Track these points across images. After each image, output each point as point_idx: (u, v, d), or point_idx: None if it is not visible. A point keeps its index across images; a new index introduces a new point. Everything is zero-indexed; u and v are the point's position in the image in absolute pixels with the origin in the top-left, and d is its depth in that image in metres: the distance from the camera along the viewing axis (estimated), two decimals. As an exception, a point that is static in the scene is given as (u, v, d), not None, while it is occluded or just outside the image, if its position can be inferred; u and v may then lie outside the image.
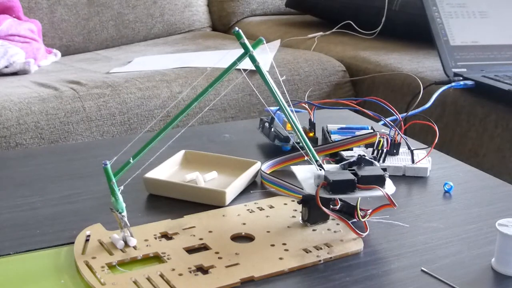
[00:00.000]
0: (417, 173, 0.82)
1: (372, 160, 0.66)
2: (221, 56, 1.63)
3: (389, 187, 0.64)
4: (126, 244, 0.62)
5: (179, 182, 0.75)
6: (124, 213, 0.62)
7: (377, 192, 0.62)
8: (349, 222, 0.64)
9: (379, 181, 0.63)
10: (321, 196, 0.62)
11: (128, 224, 0.62)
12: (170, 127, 0.63)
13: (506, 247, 0.60)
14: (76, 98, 1.29)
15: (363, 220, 0.66)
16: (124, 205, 0.62)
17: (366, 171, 0.64)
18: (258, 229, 0.66)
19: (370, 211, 0.66)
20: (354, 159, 0.66)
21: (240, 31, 0.60)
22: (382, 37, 1.71)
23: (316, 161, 0.64)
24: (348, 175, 0.63)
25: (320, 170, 0.64)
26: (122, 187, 0.62)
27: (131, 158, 0.61)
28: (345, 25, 1.72)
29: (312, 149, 0.65)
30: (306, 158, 0.66)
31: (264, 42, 0.61)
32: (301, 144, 0.65)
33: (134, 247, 0.62)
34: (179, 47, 1.78)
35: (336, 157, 0.81)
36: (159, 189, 0.75)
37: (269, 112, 0.96)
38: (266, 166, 0.80)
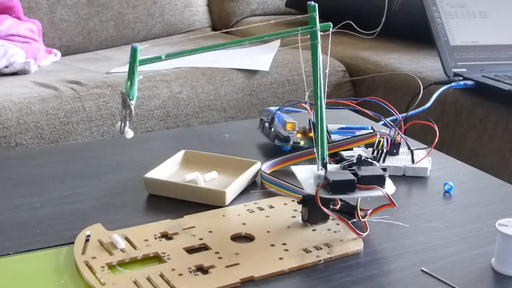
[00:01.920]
0: (417, 173, 0.82)
1: (372, 161, 0.66)
2: (221, 56, 1.63)
3: (389, 187, 0.64)
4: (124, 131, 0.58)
5: (179, 182, 0.75)
6: (133, 102, 0.57)
7: (377, 192, 0.62)
8: (349, 222, 0.64)
9: (379, 181, 0.63)
10: (321, 196, 0.62)
11: (133, 114, 0.58)
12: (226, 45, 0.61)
13: (506, 247, 0.60)
14: (76, 98, 1.29)
15: (363, 220, 0.66)
16: (136, 93, 0.57)
17: (366, 171, 0.64)
18: (258, 229, 0.66)
19: (370, 211, 0.66)
20: (354, 159, 0.66)
21: (316, 5, 0.60)
22: (382, 37, 1.71)
23: (323, 158, 0.64)
24: (348, 175, 0.63)
25: (322, 169, 0.64)
26: (141, 77, 0.58)
27: (163, 55, 0.58)
28: (345, 25, 1.72)
29: (326, 145, 0.65)
30: (310, 156, 0.66)
31: (331, 28, 0.60)
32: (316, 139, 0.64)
33: (134, 247, 0.62)
34: (179, 47, 1.77)
35: (336, 157, 0.81)
36: (159, 189, 0.75)
37: (269, 112, 0.96)
38: (266, 166, 0.80)
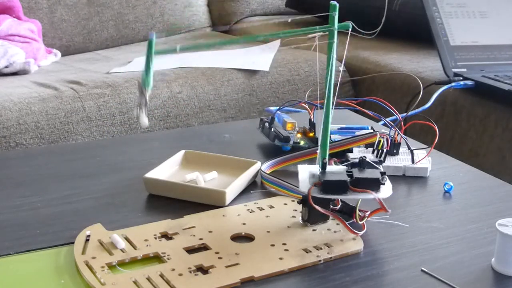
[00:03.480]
0: (417, 173, 0.82)
1: (374, 164, 0.65)
2: (221, 56, 1.63)
3: (385, 191, 0.63)
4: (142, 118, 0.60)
5: (179, 182, 0.75)
6: (149, 90, 0.59)
7: (369, 196, 0.62)
8: (347, 222, 0.64)
9: (373, 184, 0.62)
10: (313, 196, 0.62)
11: (148, 102, 0.60)
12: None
13: (506, 247, 0.60)
14: (76, 98, 1.29)
15: (360, 222, 0.65)
16: (152, 83, 0.59)
17: (362, 173, 0.63)
18: (258, 229, 0.66)
19: (368, 213, 0.66)
20: (356, 160, 0.66)
21: (337, 5, 0.61)
22: (382, 37, 1.71)
23: (323, 158, 0.64)
24: (341, 176, 0.63)
25: (321, 169, 0.64)
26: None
27: (178, 47, 0.59)
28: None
29: (328, 146, 0.65)
30: (310, 156, 0.65)
31: (351, 26, 0.60)
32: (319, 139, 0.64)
33: (134, 247, 0.62)
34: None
35: (342, 159, 0.80)
36: (159, 189, 0.75)
37: (269, 112, 0.96)
38: (266, 166, 0.80)
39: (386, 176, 0.64)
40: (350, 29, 0.61)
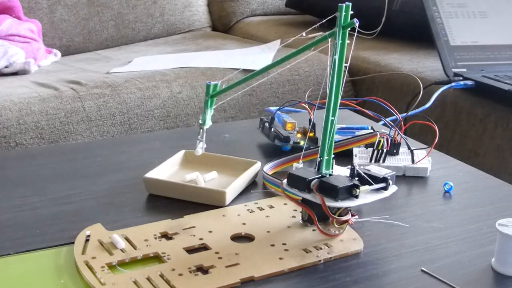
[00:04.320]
0: (417, 173, 0.82)
1: (370, 180, 0.63)
2: (221, 56, 1.63)
3: (347, 202, 0.61)
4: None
5: (179, 182, 0.75)
6: (205, 127, 0.73)
7: (317, 200, 0.62)
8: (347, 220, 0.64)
9: (331, 192, 0.61)
10: (285, 188, 0.63)
11: (203, 139, 0.73)
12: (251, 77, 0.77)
13: (506, 247, 0.60)
14: (76, 98, 1.29)
15: (337, 226, 0.64)
16: (209, 122, 0.73)
17: (335, 179, 0.62)
18: (258, 229, 0.66)
19: (352, 219, 0.65)
20: (360, 169, 0.65)
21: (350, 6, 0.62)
22: (382, 37, 1.71)
23: (320, 156, 0.64)
24: (310, 174, 0.63)
25: (301, 163, 0.64)
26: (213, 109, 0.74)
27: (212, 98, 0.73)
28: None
29: (331, 147, 0.65)
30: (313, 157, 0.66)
31: (357, 24, 0.60)
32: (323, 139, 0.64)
33: (134, 247, 0.62)
34: (179, 47, 1.77)
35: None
36: (159, 189, 0.75)
37: (269, 112, 0.96)
38: (268, 167, 0.79)
39: (358, 190, 0.62)
40: (356, 24, 0.61)
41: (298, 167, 0.65)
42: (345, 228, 0.65)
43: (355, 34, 0.61)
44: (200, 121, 0.73)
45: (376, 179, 0.64)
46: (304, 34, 0.67)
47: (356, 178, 0.63)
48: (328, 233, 0.64)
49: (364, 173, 0.64)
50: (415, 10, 1.63)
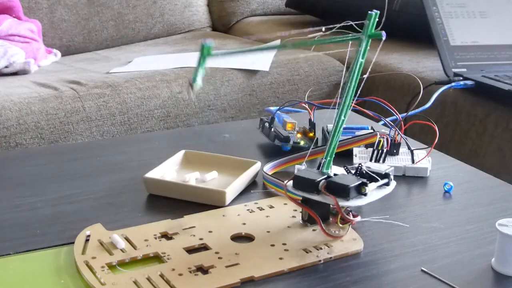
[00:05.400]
0: (417, 173, 0.82)
1: (376, 176, 0.64)
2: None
3: (358, 201, 0.62)
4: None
5: (179, 182, 0.75)
6: (195, 87, 0.63)
7: (331, 201, 0.61)
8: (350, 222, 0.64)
9: (341, 191, 0.61)
10: (288, 190, 0.62)
11: (194, 96, 0.64)
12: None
13: (506, 247, 0.60)
14: (76, 98, 1.29)
15: (341, 226, 0.64)
16: (200, 84, 0.63)
17: (344, 179, 0.62)
18: (258, 229, 0.66)
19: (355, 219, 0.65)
20: (356, 167, 0.65)
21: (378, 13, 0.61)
22: (382, 37, 1.71)
23: (325, 158, 0.64)
24: (316, 176, 0.63)
25: (304, 165, 0.64)
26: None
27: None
28: (344, 24, 1.72)
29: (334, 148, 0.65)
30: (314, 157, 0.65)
31: (384, 37, 0.61)
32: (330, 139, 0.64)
33: (134, 247, 0.62)
34: (179, 47, 1.78)
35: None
36: (159, 189, 0.75)
37: (269, 112, 0.96)
38: (268, 167, 0.79)
39: (367, 187, 0.62)
40: (383, 38, 0.61)
41: (300, 168, 0.64)
42: (347, 229, 0.65)
43: (381, 44, 0.62)
44: (193, 81, 0.64)
45: (379, 176, 0.64)
46: (307, 31, 0.66)
47: (359, 177, 0.63)
48: (332, 234, 0.64)
49: (369, 171, 0.64)
50: (415, 10, 1.63)
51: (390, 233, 0.67)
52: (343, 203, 0.61)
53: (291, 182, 0.64)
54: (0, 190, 0.76)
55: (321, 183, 0.62)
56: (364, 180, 0.62)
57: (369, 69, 0.64)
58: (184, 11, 1.97)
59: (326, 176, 0.63)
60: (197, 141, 0.93)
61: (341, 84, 0.62)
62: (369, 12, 0.61)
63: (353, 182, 0.62)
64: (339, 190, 0.61)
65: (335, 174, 0.64)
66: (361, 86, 0.64)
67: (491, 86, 1.26)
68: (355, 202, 0.62)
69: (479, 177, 0.83)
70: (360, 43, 0.62)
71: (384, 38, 0.61)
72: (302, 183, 0.63)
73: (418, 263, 0.61)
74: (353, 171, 0.65)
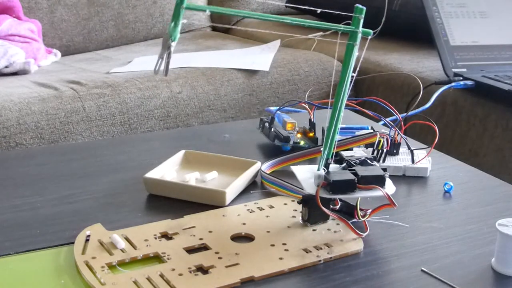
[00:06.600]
0: (417, 173, 0.82)
1: (371, 162, 0.66)
2: (221, 56, 1.63)
3: (389, 187, 0.64)
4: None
5: (179, 182, 0.75)
6: (174, 44, 0.58)
7: (377, 192, 0.62)
8: (349, 222, 0.64)
9: (379, 181, 0.63)
10: (321, 196, 0.62)
11: (171, 56, 0.58)
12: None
13: (506, 247, 0.60)
14: (76, 98, 1.29)
15: (363, 219, 0.66)
16: (178, 35, 0.58)
17: (366, 171, 0.64)
18: (258, 229, 0.66)
19: (370, 211, 0.66)
20: (355, 159, 0.66)
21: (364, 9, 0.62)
22: (382, 37, 1.71)
23: (327, 159, 0.64)
24: (348, 175, 0.63)
25: (324, 169, 0.64)
26: (185, 20, 0.58)
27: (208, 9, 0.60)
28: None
29: (332, 146, 0.65)
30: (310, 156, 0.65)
31: (372, 33, 0.61)
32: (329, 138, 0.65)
33: (134, 247, 0.62)
34: (179, 47, 1.77)
35: (336, 157, 0.81)
36: (159, 189, 0.75)
37: (269, 112, 0.96)
38: (266, 166, 0.80)
39: (387, 173, 0.64)
40: (370, 36, 0.62)
41: (321, 174, 0.64)
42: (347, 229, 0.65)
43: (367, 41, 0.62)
44: (171, 37, 0.58)
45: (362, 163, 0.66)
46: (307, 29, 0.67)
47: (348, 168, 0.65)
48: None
49: (351, 160, 0.66)
50: (415, 10, 1.63)
51: (390, 233, 0.67)
52: (383, 191, 0.62)
53: (323, 188, 0.63)
54: (0, 190, 0.76)
55: (355, 180, 0.63)
56: (384, 166, 0.65)
57: (360, 61, 0.64)
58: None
59: (353, 172, 0.64)
60: (197, 141, 0.93)
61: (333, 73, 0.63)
62: (357, 5, 0.62)
63: (378, 171, 0.64)
64: (375, 181, 0.63)
65: (327, 169, 0.65)
66: (356, 70, 0.64)
67: (491, 86, 1.26)
68: (388, 190, 0.63)
69: (479, 177, 0.83)
70: (352, 36, 0.62)
71: (371, 36, 0.62)
72: (341, 186, 0.63)
73: (418, 263, 0.61)
74: (343, 164, 0.66)
